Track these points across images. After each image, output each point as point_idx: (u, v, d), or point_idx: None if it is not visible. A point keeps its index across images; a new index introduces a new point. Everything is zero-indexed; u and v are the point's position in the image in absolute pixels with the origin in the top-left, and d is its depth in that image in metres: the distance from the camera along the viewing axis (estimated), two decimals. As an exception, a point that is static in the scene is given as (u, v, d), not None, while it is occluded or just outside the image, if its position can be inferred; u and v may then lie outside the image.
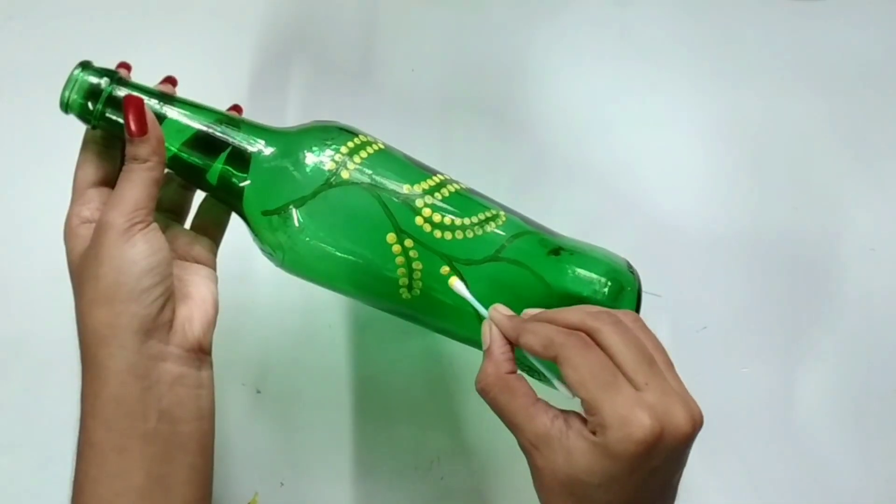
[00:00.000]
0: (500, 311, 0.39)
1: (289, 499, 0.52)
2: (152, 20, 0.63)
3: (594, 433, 0.33)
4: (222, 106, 0.45)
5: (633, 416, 0.32)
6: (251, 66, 0.62)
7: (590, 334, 0.35)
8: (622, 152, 0.61)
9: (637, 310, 0.42)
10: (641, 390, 0.33)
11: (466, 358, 0.54)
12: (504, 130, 0.62)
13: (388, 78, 0.63)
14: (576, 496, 0.34)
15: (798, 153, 0.62)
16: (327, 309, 0.55)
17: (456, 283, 0.40)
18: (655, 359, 0.35)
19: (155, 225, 0.39)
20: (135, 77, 0.43)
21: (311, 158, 0.41)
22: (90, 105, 0.40)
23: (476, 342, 0.44)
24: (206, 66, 0.61)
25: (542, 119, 0.62)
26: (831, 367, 0.56)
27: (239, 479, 0.52)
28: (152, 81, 0.44)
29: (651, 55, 0.64)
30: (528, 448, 0.35)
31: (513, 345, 0.38)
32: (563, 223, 0.59)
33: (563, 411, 0.35)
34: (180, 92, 0.44)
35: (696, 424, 0.34)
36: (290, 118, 0.60)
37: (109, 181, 0.41)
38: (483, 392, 0.37)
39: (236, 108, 0.46)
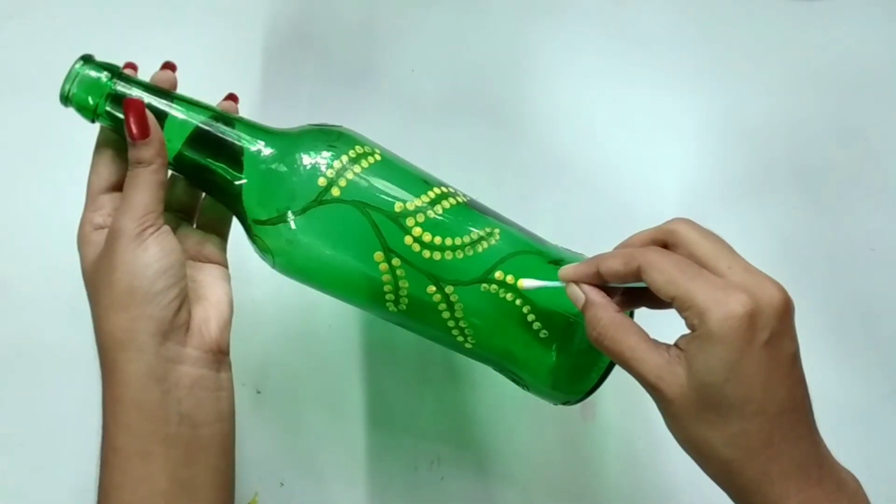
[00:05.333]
0: (567, 269, 0.39)
1: (289, 499, 0.52)
2: (151, 20, 0.63)
3: (694, 328, 0.33)
4: (218, 100, 0.45)
5: (726, 295, 0.33)
6: (252, 65, 0.62)
7: (667, 238, 0.36)
8: (621, 152, 0.61)
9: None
10: (726, 275, 0.34)
11: (466, 358, 0.54)
12: (503, 129, 0.62)
13: (388, 78, 0.63)
14: (714, 409, 0.33)
15: (798, 153, 0.62)
16: (327, 309, 0.55)
17: (526, 283, 0.40)
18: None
19: (166, 227, 0.39)
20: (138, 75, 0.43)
21: (306, 165, 0.41)
22: (90, 99, 0.40)
23: (459, 348, 0.44)
24: (206, 67, 0.61)
25: (540, 118, 0.62)
26: (831, 366, 0.56)
27: (239, 479, 0.52)
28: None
29: (651, 55, 0.64)
30: (654, 381, 0.34)
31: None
32: (562, 223, 0.59)
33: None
34: (181, 89, 0.44)
35: (787, 295, 0.34)
36: (289, 116, 0.60)
37: (122, 186, 0.41)
38: (600, 338, 0.36)
39: (232, 96, 0.45)
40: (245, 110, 0.45)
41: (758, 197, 0.60)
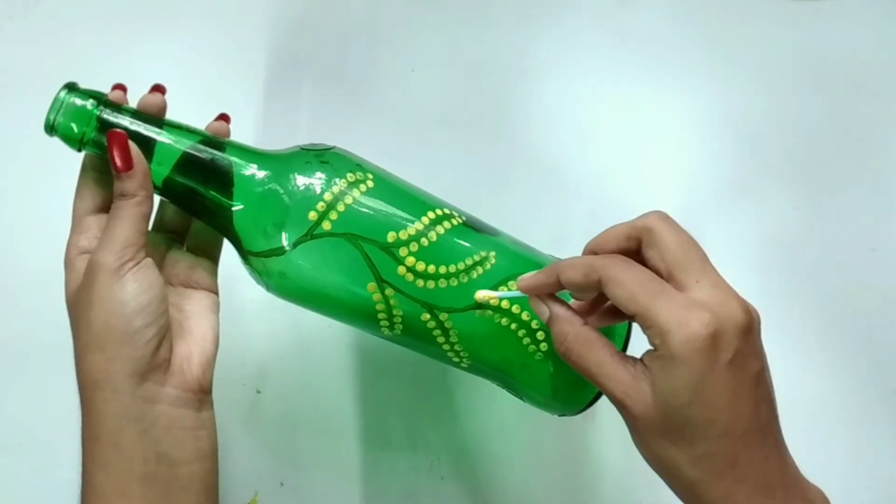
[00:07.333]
0: (526, 278, 0.38)
1: (289, 499, 0.52)
2: (151, 20, 0.63)
3: (657, 347, 0.33)
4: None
5: (689, 315, 0.32)
6: (251, 67, 0.62)
7: (642, 235, 0.36)
8: (622, 152, 0.61)
9: (625, 343, 0.42)
10: (692, 289, 0.33)
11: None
12: (504, 130, 0.62)
13: (389, 78, 0.63)
14: (679, 430, 0.33)
15: (798, 153, 0.62)
16: (327, 309, 0.55)
17: (482, 294, 0.40)
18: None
19: (147, 261, 0.38)
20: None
21: (297, 196, 0.40)
22: (75, 128, 0.39)
23: (456, 367, 0.44)
24: (205, 67, 0.61)
25: (540, 118, 0.62)
26: (831, 367, 0.56)
27: (239, 479, 0.52)
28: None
29: (651, 55, 0.64)
30: (621, 397, 0.34)
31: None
32: (562, 224, 0.59)
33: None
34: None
35: (752, 313, 0.34)
36: (289, 118, 0.60)
37: (108, 207, 0.40)
38: (567, 353, 0.36)
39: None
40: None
41: (757, 197, 0.60)
